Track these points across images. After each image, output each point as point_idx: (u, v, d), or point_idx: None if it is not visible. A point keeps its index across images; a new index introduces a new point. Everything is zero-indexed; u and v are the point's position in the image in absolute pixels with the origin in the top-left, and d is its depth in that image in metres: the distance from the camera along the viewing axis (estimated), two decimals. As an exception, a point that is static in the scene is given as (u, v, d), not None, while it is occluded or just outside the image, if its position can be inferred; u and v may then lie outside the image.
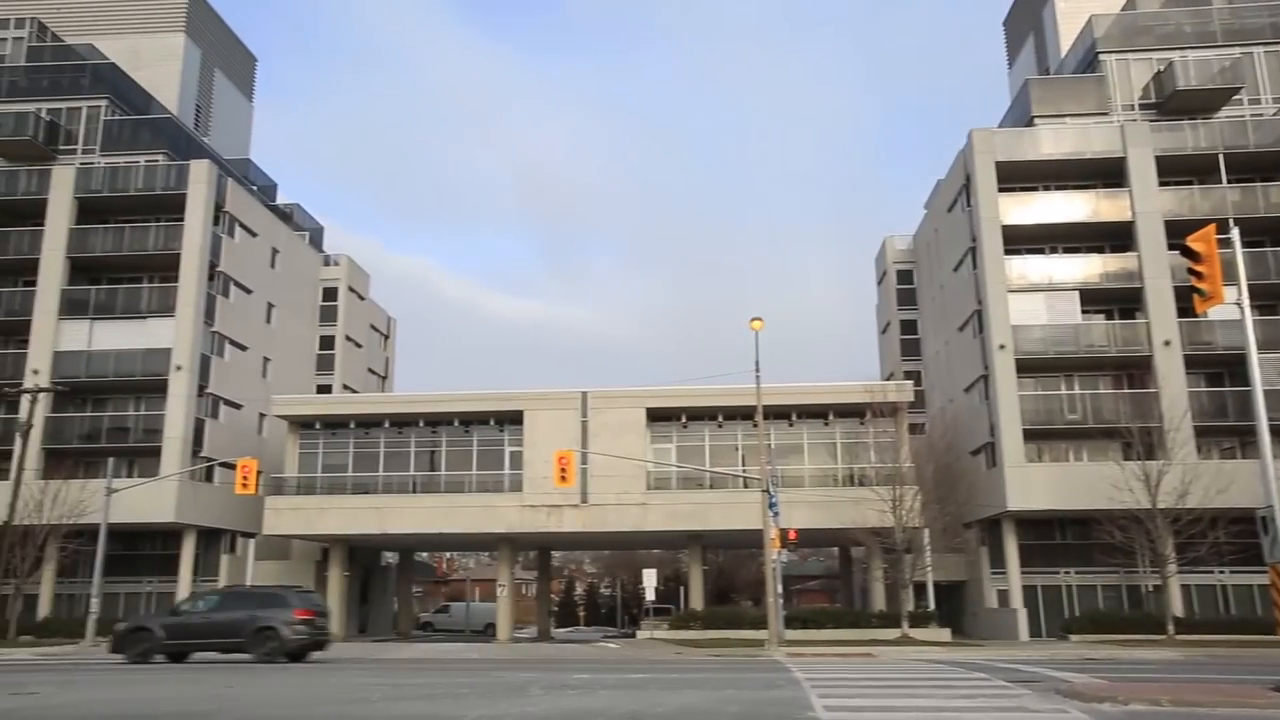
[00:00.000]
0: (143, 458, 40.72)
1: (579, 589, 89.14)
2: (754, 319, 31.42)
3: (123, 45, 51.70)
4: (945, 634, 35.29)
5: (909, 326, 51.39)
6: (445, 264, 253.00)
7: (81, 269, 43.16)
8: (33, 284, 42.30)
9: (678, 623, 39.48)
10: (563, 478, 31.00)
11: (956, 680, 17.37)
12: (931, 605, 37.20)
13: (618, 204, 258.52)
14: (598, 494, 38.40)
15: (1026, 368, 38.06)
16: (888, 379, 47.43)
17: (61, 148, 45.67)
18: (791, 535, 34.18)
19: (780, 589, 32.03)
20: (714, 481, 38.85)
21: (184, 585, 40.44)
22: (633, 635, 44.06)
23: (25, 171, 44.00)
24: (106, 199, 43.42)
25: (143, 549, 41.87)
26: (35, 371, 40.29)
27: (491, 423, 40.47)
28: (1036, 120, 41.60)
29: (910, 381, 42.98)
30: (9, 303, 42.37)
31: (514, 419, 40.08)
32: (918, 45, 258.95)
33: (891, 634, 34.11)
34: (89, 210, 43.54)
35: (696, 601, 40.75)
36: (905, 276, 52.22)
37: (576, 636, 53.57)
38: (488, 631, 51.34)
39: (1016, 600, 36.99)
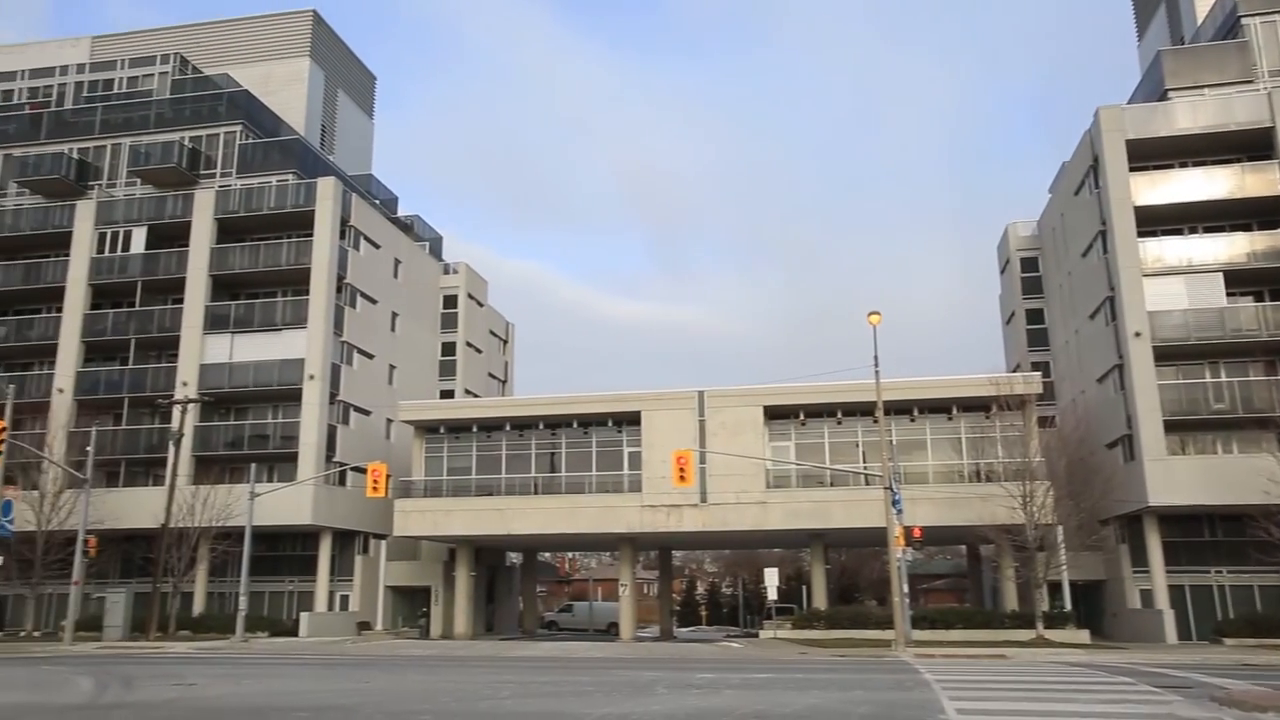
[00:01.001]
0: (281, 463, 42.79)
1: (700, 588, 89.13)
2: (871, 313, 30.86)
3: (254, 72, 54.65)
4: (1084, 636, 33.73)
5: (1035, 316, 49.40)
6: (557, 268, 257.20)
7: (222, 285, 45.70)
8: (180, 301, 45.08)
9: (801, 622, 39.05)
10: (681, 477, 31.07)
11: (1098, 684, 16.60)
12: (1068, 605, 35.60)
13: (726, 203, 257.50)
14: (717, 493, 38.33)
15: (1166, 355, 36.08)
16: (1014, 371, 45.68)
17: (202, 172, 48.52)
18: (916, 533, 33.32)
19: (906, 588, 31.29)
20: (834, 479, 38.24)
21: (322, 585, 42.34)
22: (755, 635, 43.78)
23: (171, 196, 46.92)
24: (243, 219, 45.89)
25: (284, 550, 44.00)
26: (184, 384, 42.91)
27: (609, 424, 40.87)
28: (1170, 94, 39.36)
29: (1038, 373, 41.27)
30: (160, 319, 45.24)
31: (631, 420, 40.39)
32: (1035, 25, 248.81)
33: (1025, 635, 32.84)
34: (227, 230, 46.09)
35: (819, 601, 40.20)
36: (1030, 264, 50.23)
37: (699, 636, 53.61)
38: (611, 630, 51.90)
39: (1162, 601, 35.08)
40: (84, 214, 46.84)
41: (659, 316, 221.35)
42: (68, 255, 46.40)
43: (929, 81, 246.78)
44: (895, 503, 30.59)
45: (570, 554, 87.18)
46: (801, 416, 39.24)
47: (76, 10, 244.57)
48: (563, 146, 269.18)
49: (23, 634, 39.60)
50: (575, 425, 41.18)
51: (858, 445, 38.86)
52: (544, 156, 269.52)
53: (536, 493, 40.90)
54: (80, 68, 54.16)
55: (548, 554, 67.39)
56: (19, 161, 49.72)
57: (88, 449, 37.42)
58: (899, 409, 37.38)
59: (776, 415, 39.44)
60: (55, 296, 46.29)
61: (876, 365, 31.58)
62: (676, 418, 39.46)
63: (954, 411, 38.32)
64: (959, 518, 35.35)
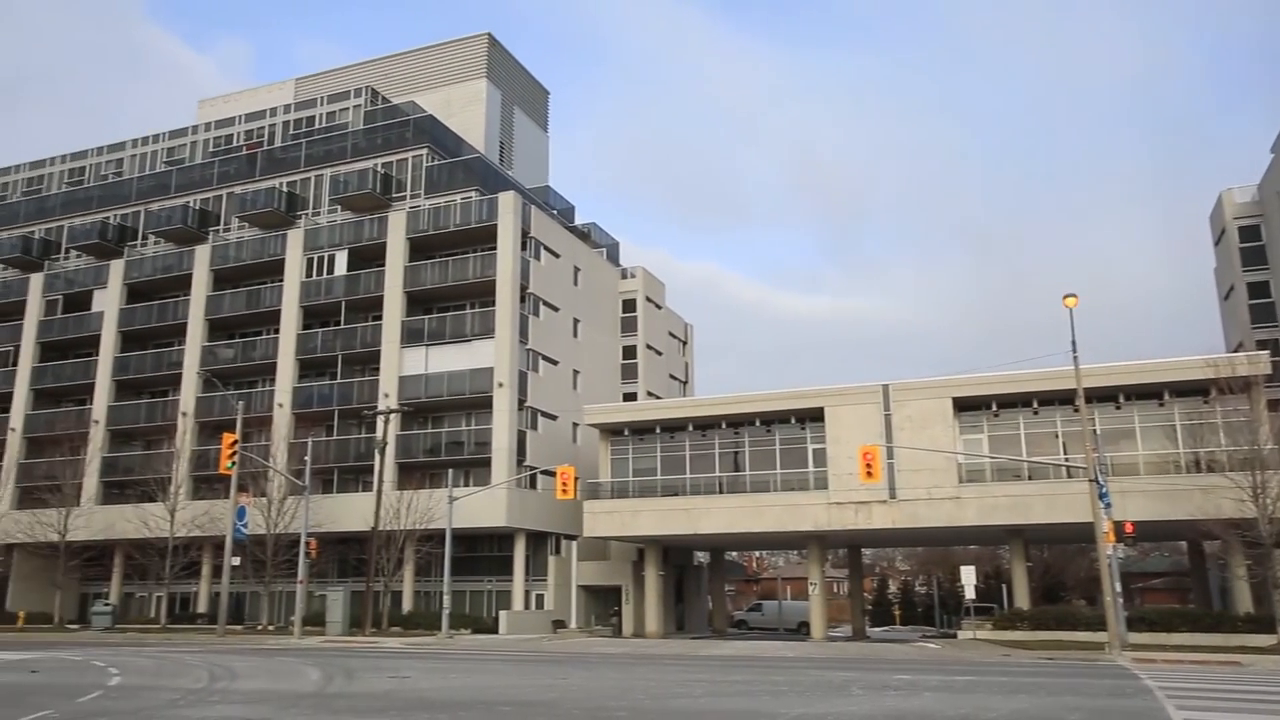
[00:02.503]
0: (476, 468, 44.84)
1: (892, 586, 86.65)
2: (1067, 295, 29.10)
3: (436, 97, 57.75)
4: (1334, 641, 30.35)
5: (1259, 289, 45.05)
6: (731, 266, 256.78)
7: (416, 301, 48.43)
8: (379, 318, 48.15)
9: (1002, 623, 37.27)
10: (869, 473, 30.30)
11: (1353, 694, 14.93)
12: (1314, 607, 32.17)
13: (900, 190, 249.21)
14: (906, 489, 37.14)
15: None
16: (1235, 350, 41.83)
17: (394, 195, 51.64)
18: (1127, 528, 31.08)
19: (1118, 587, 29.22)
20: (1033, 472, 36.23)
21: (518, 584, 44.05)
22: (953, 635, 42.14)
23: (368, 220, 50.21)
24: (431, 236, 48.46)
25: (481, 551, 46.13)
26: (386, 395, 45.78)
27: (792, 421, 40.38)
28: None
29: (1265, 351, 37.52)
30: (361, 336, 48.48)
31: (814, 416, 39.75)
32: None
33: (1264, 641, 29.87)
34: (418, 248, 48.82)
35: (1021, 600, 38.19)
36: (1250, 233, 45.87)
37: (893, 636, 52.17)
38: (801, 630, 51.30)
39: None
40: (294, 242, 50.87)
41: (836, 310, 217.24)
42: (281, 280, 50.54)
43: (1120, 47, 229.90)
44: (1102, 496, 28.70)
45: (758, 553, 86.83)
46: (994, 407, 37.45)
47: (276, 54, 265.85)
48: (731, 146, 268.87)
49: (259, 627, 43.47)
50: (758, 423, 40.95)
51: (1057, 436, 36.68)
52: (713, 157, 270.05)
53: (721, 492, 40.96)
54: (286, 108, 58.89)
55: (735, 553, 67.38)
56: (239, 198, 54.62)
57: (305, 458, 40.51)
58: (1102, 396, 35.01)
59: (966, 407, 37.84)
60: (273, 319, 50.56)
61: (1075, 350, 29.75)
62: (861, 413, 38.55)
63: (1165, 397, 35.47)
64: (1177, 511, 32.70)
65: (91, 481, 50.59)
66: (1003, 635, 35.07)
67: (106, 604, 45.70)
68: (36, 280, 56.97)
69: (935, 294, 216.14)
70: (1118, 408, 35.85)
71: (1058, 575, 67.14)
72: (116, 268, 55.09)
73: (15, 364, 55.72)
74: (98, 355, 53.90)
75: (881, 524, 37.83)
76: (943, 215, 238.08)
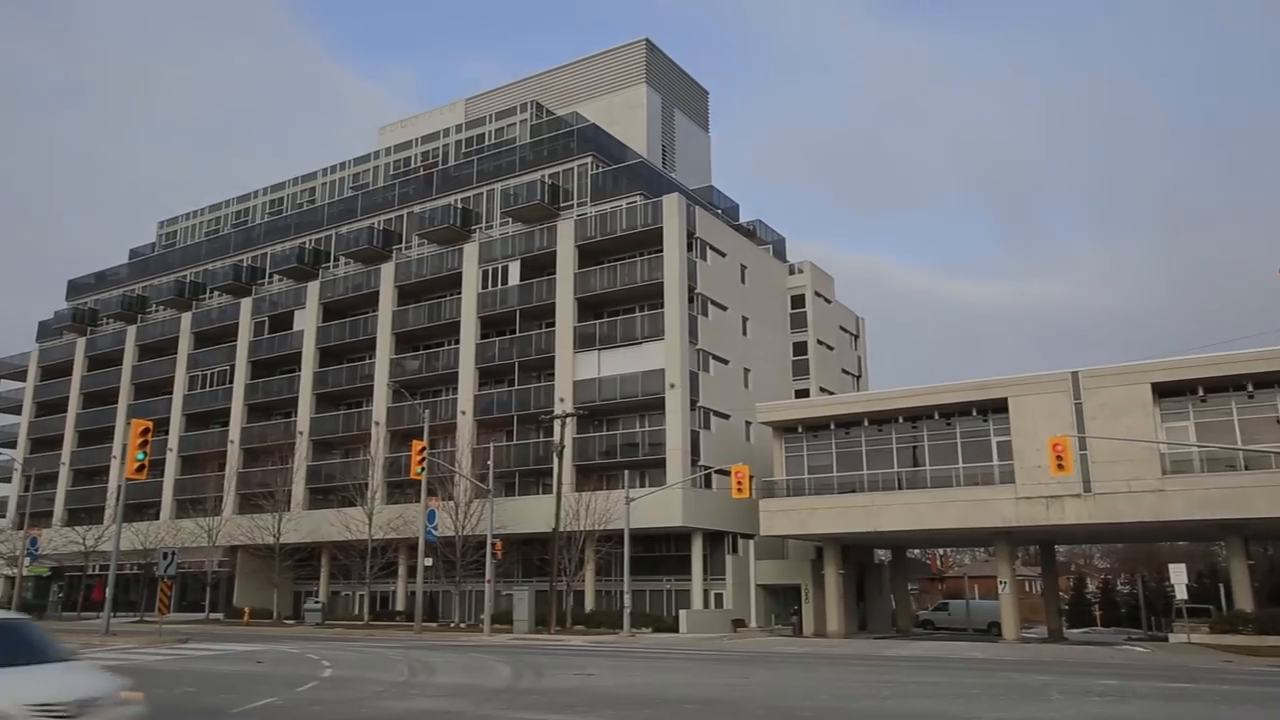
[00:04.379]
0: (651, 469, 45.36)
1: (1090, 585, 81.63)
2: (1283, 266, 26.54)
3: (598, 106, 58.96)
4: None
5: None
6: (899, 257, 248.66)
7: (586, 306, 49.51)
8: (551, 325, 49.57)
9: (1220, 626, 34.41)
10: (1060, 466, 28.64)
11: None
12: None
13: (1079, 167, 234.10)
14: (1102, 481, 34.87)
15: None
16: None
17: (561, 205, 53.06)
18: (1368, 522, 28.03)
19: (1359, 587, 26.39)
20: (1250, 461, 33.21)
21: (696, 584, 44.26)
22: (1163, 639, 39.22)
23: (538, 230, 51.82)
24: (599, 243, 49.45)
25: (659, 551, 46.64)
26: (561, 400, 47.07)
27: (974, 413, 38.71)
28: None
29: None
30: (536, 343, 50.03)
31: (998, 407, 37.97)
32: None
33: None
34: (586, 254, 49.91)
35: (1242, 601, 35.07)
36: None
37: (1092, 638, 49.19)
38: (991, 630, 49.11)
39: None
40: (470, 256, 53.15)
41: (1013, 296, 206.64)
42: (460, 293, 52.90)
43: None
44: (1335, 486, 25.95)
45: (941, 550, 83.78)
46: (1200, 392, 34.62)
47: (439, 76, 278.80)
48: (895, 133, 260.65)
49: (451, 624, 45.69)
50: (936, 416, 39.48)
51: (1279, 421, 33.48)
52: (877, 146, 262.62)
53: (900, 488, 39.75)
54: (458, 128, 61.65)
55: (917, 551, 65.27)
56: (418, 217, 57.62)
57: (488, 463, 42.21)
58: (1331, 376, 31.72)
59: (1168, 392, 35.15)
60: (453, 331, 53.00)
61: (1295, 326, 27.07)
62: (1048, 402, 36.51)
63: None
64: None
65: (299, 488, 54.66)
66: (1221, 640, 32.43)
67: (317, 601, 49.22)
68: (246, 304, 62.18)
69: (1124, 274, 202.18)
70: (1351, 388, 32.41)
71: (1285, 574, 61.28)
72: (313, 289, 59.29)
73: (231, 382, 61.01)
74: (300, 371, 58.20)
75: (1075, 519, 35.70)
76: (1130, 190, 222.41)
